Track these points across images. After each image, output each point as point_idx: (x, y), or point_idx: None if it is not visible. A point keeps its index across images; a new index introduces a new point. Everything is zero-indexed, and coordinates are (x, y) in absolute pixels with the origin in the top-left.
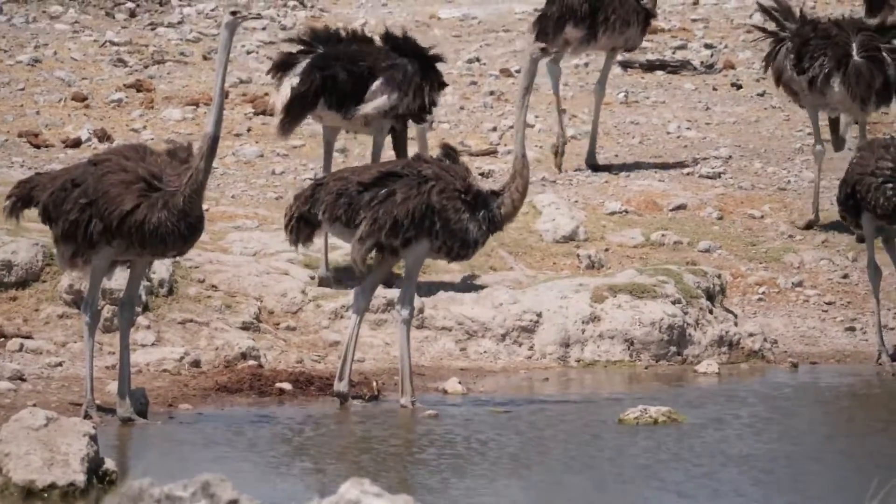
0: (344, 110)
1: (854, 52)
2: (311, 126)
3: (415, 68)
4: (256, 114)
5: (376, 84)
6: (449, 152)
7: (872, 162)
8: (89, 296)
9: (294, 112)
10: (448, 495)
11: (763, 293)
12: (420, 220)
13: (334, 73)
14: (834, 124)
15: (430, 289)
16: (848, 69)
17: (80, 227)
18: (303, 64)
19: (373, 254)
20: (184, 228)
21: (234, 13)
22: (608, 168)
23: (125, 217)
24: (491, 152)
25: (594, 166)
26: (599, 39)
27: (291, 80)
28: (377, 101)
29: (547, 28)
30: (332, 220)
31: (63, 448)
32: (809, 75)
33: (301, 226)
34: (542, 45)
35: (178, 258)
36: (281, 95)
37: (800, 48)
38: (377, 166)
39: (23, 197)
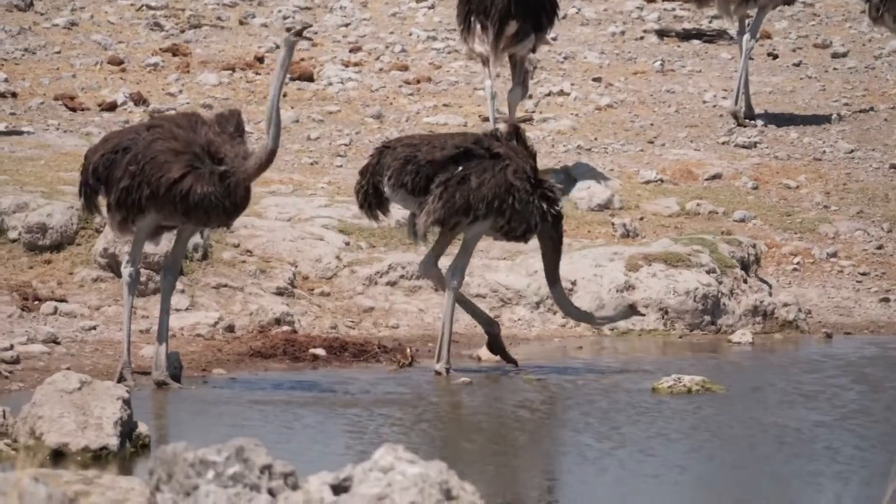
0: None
1: None
2: (346, 92)
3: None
4: (293, 79)
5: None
6: (514, 131)
7: None
8: (132, 253)
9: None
10: (483, 462)
11: (798, 263)
12: (492, 200)
13: None
14: None
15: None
16: None
17: (130, 194)
18: None
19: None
20: (228, 205)
21: (288, 29)
22: (755, 117)
23: (171, 185)
24: (526, 120)
25: (752, 116)
26: None
27: None
28: (529, 40)
29: None
30: (398, 186)
31: (96, 412)
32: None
33: (376, 200)
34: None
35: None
36: None
37: None
38: (447, 137)
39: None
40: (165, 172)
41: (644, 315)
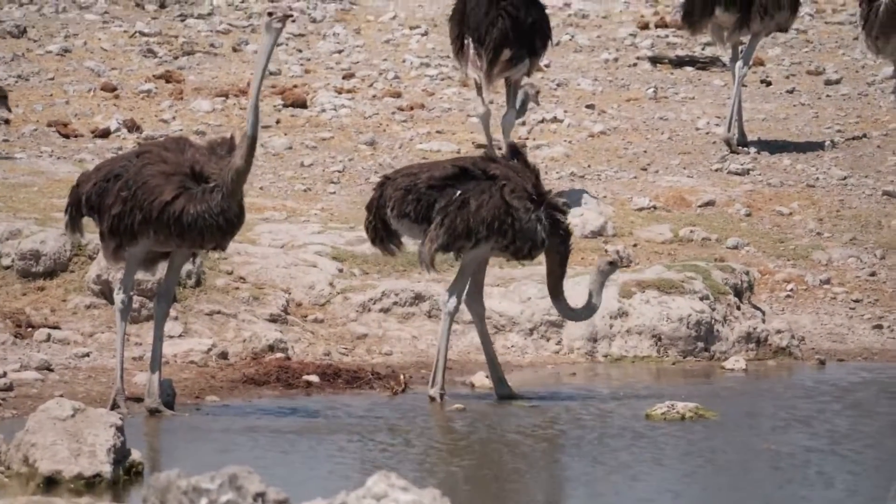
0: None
1: None
2: (339, 119)
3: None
4: (286, 105)
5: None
6: (513, 151)
7: None
8: (124, 280)
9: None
10: (477, 488)
11: (791, 290)
12: (492, 222)
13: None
14: None
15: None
16: (871, 14)
17: (123, 220)
18: None
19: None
20: (222, 222)
21: (270, 14)
22: (748, 144)
23: (164, 208)
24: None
25: (745, 143)
26: (752, 24)
27: None
28: (524, 64)
29: (693, 11)
30: (401, 216)
31: (90, 439)
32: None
33: (386, 234)
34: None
35: (218, 251)
36: None
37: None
38: (446, 163)
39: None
40: (157, 195)
41: (623, 266)
